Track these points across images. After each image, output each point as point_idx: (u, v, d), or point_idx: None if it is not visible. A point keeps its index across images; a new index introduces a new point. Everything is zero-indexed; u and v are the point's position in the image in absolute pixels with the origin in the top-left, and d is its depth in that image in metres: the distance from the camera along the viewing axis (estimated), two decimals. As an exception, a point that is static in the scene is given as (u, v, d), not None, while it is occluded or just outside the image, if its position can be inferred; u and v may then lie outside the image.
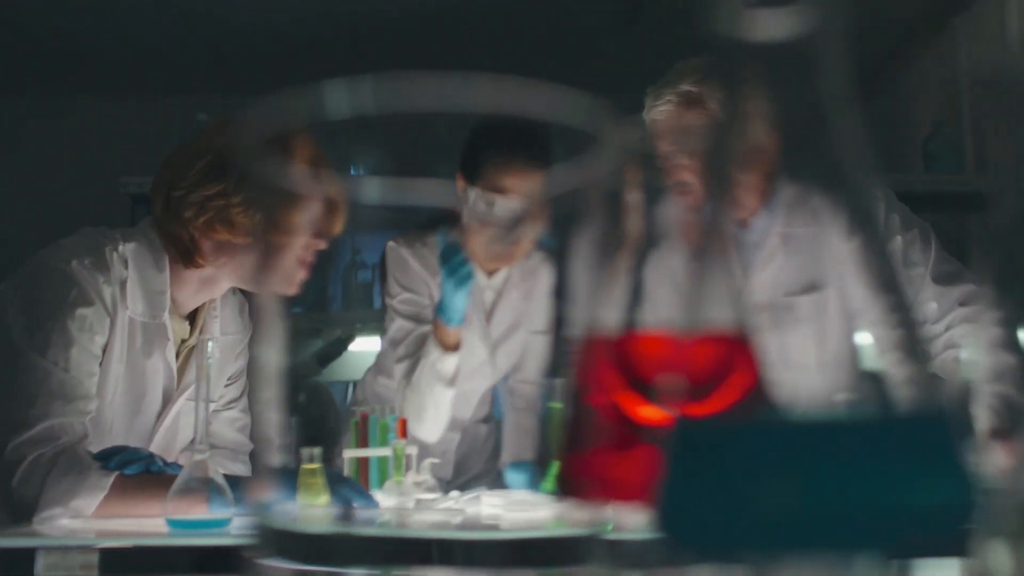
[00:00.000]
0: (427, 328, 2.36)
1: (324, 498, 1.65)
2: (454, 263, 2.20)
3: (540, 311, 2.57)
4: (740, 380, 0.47)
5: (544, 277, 2.72)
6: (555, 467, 1.72)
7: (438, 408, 2.25)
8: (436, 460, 2.14)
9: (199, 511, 1.55)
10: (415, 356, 2.33)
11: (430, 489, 1.84)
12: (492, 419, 2.63)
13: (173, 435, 2.03)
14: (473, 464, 2.55)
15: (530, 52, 4.56)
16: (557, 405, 1.80)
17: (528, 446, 2.47)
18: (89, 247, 1.87)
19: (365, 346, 3.92)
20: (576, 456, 0.45)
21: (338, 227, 1.82)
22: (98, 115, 4.36)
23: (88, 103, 4.38)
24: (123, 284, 1.88)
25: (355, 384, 4.35)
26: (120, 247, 1.90)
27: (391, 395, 2.45)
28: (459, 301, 2.22)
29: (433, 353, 2.24)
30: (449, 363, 2.24)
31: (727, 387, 0.46)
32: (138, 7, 3.68)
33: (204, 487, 1.56)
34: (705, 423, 0.38)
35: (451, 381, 2.26)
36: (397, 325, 2.35)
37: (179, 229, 1.90)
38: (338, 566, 0.44)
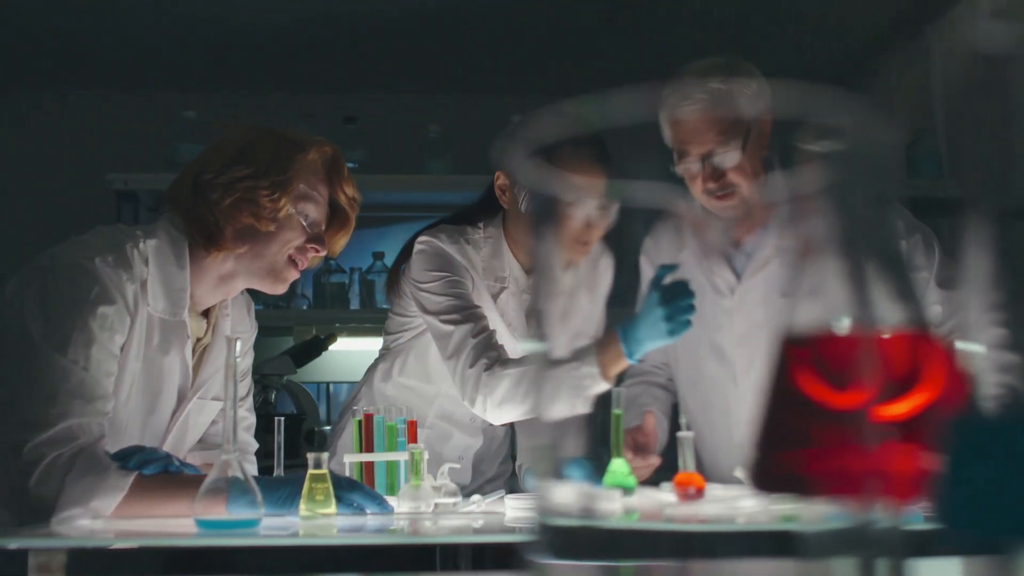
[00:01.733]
0: (479, 309, 2.26)
1: (331, 506, 1.63)
2: (678, 305, 2.03)
3: (596, 314, 2.53)
4: (941, 375, 0.47)
5: (605, 275, 2.68)
6: (614, 465, 1.69)
7: (552, 408, 2.15)
8: (456, 465, 2.12)
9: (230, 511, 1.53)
10: (478, 324, 2.22)
11: (450, 493, 1.83)
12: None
13: (183, 434, 2.01)
14: (487, 467, 2.52)
15: (513, 52, 4.58)
16: (618, 412, 1.78)
17: None
18: (111, 244, 1.85)
19: (344, 347, 3.92)
20: (795, 453, 0.44)
21: (341, 244, 1.82)
22: (84, 111, 4.31)
23: (74, 99, 4.33)
24: (143, 282, 1.86)
25: (328, 385, 4.34)
26: (141, 244, 1.88)
27: (409, 401, 2.40)
28: (655, 344, 2.06)
29: (589, 368, 2.09)
30: (600, 387, 2.12)
31: (929, 382, 0.46)
32: (127, 3, 3.64)
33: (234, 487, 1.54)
34: (986, 418, 0.38)
35: (589, 401, 2.15)
36: (437, 300, 2.27)
37: (205, 210, 1.90)
38: (624, 560, 0.43)
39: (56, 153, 4.19)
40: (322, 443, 3.50)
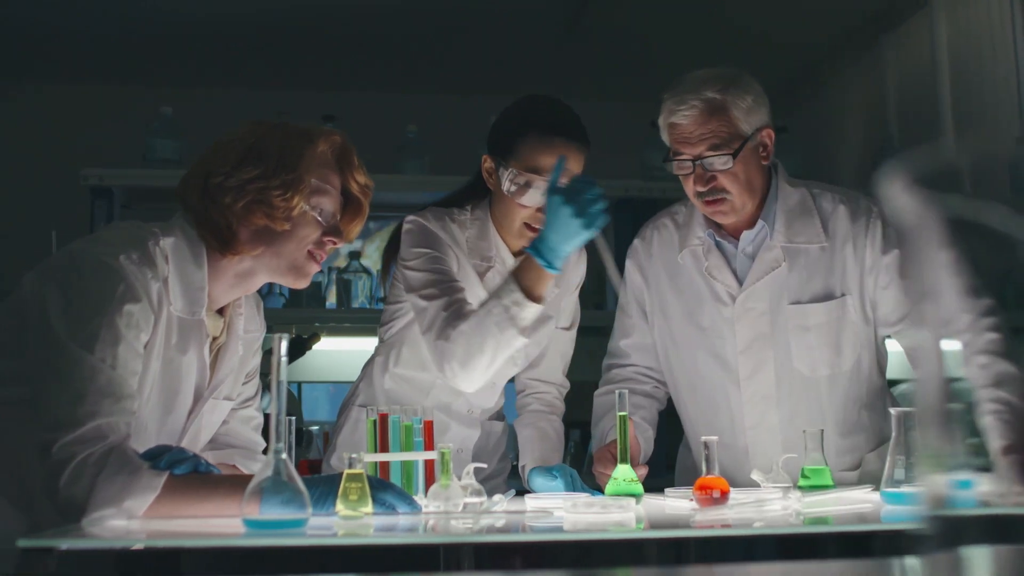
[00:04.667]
0: (459, 283, 2.26)
1: (368, 505, 1.63)
2: (588, 196, 2.03)
3: (568, 307, 2.56)
4: None
5: (575, 268, 2.70)
6: (619, 471, 1.73)
7: (496, 355, 2.14)
8: (483, 465, 2.12)
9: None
10: (451, 298, 2.22)
11: (476, 493, 1.83)
12: (504, 417, 2.61)
13: (197, 434, 1.99)
14: (485, 463, 2.52)
15: (492, 53, 4.59)
16: (623, 414, 1.81)
17: (554, 449, 2.44)
18: (133, 241, 1.82)
19: (318, 346, 3.90)
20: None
21: (356, 231, 1.82)
22: (59, 105, 4.24)
23: (49, 93, 4.26)
24: (165, 280, 1.84)
25: (299, 385, 4.32)
26: (161, 242, 1.85)
27: (406, 392, 2.40)
28: (573, 245, 2.08)
29: (512, 295, 2.09)
30: (531, 311, 2.10)
31: None
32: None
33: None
34: None
35: (526, 330, 2.13)
36: (420, 277, 2.28)
37: (217, 215, 1.87)
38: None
39: (29, 148, 4.12)
40: (310, 442, 3.48)
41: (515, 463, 3.01)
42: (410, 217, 2.37)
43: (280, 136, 1.92)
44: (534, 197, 2.25)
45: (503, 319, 2.09)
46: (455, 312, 2.18)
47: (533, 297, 2.10)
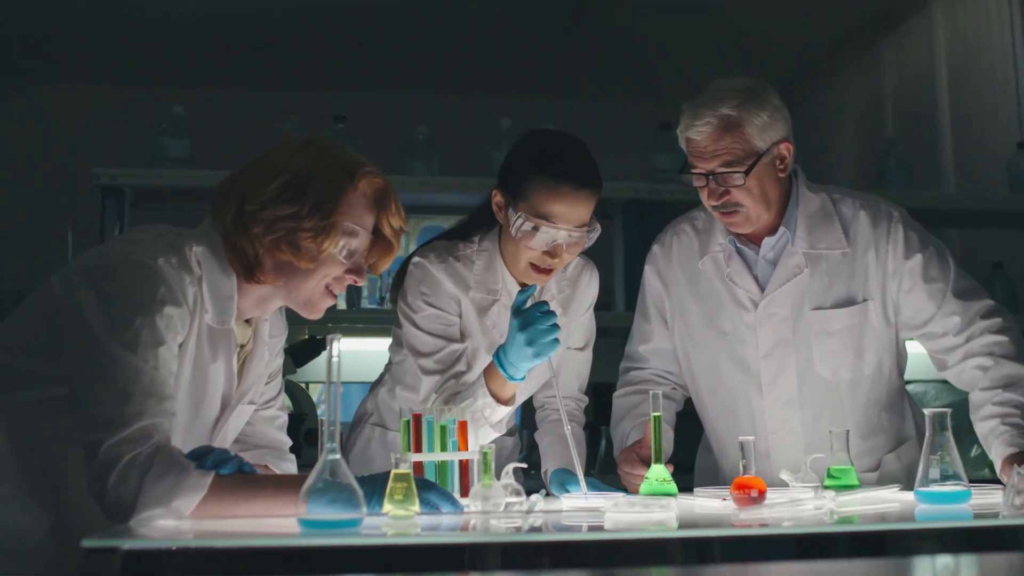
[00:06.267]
0: (458, 346, 2.32)
1: (415, 504, 1.64)
2: (539, 328, 2.11)
3: (581, 328, 2.56)
4: None
5: (586, 290, 2.72)
6: (653, 471, 1.75)
7: (476, 438, 2.21)
8: (523, 465, 2.13)
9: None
10: (447, 374, 2.29)
11: (515, 493, 1.85)
12: (515, 432, 2.63)
13: (224, 439, 1.99)
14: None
15: (478, 62, 4.61)
16: (657, 414, 1.83)
17: (570, 453, 2.46)
18: (170, 245, 1.81)
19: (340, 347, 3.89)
20: None
21: (383, 267, 1.79)
22: (71, 105, 4.22)
23: (60, 92, 4.25)
24: (200, 284, 1.84)
25: (307, 385, 4.32)
26: (194, 248, 1.85)
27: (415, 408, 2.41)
28: (528, 365, 2.16)
29: (484, 399, 2.19)
30: (501, 412, 2.21)
31: None
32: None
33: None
34: None
35: (499, 425, 2.24)
36: (422, 339, 2.33)
37: (245, 242, 1.85)
38: None
39: (41, 147, 4.10)
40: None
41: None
42: (416, 259, 2.38)
43: (324, 171, 1.87)
44: (541, 241, 2.24)
45: (478, 417, 2.20)
46: (446, 396, 2.27)
47: (501, 400, 2.19)
